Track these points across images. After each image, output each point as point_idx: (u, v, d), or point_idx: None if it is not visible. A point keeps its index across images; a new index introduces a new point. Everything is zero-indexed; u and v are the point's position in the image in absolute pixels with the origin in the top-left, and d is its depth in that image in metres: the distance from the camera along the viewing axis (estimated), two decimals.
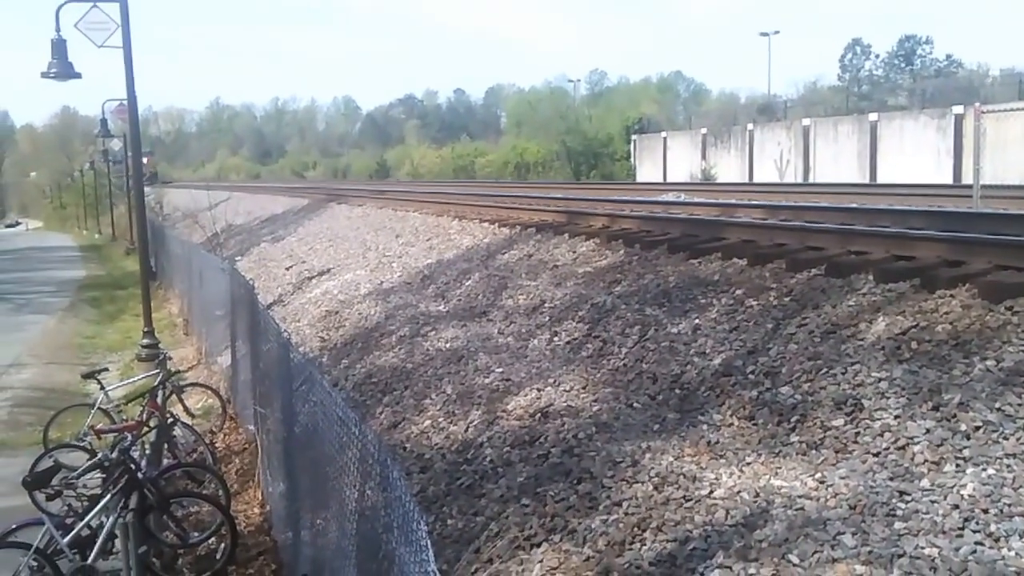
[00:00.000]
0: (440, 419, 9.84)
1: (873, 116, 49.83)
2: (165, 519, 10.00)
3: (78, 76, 20.66)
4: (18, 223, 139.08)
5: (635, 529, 6.38)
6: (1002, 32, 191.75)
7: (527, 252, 15.34)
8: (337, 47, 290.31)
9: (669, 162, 64.99)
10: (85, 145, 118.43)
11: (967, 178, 32.52)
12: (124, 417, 13.66)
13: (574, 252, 14.32)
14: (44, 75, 20.50)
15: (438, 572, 3.89)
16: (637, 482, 7.02)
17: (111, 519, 9.27)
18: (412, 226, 22.41)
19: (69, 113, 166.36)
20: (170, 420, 12.84)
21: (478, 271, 15.27)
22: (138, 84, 20.05)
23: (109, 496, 9.47)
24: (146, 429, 12.05)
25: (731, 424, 7.69)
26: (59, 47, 20.17)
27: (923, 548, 5.36)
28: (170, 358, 16.57)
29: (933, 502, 5.77)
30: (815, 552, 5.52)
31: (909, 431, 6.56)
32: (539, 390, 9.43)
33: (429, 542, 4.11)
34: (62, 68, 20.36)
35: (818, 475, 6.44)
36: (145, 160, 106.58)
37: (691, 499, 6.55)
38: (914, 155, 44.43)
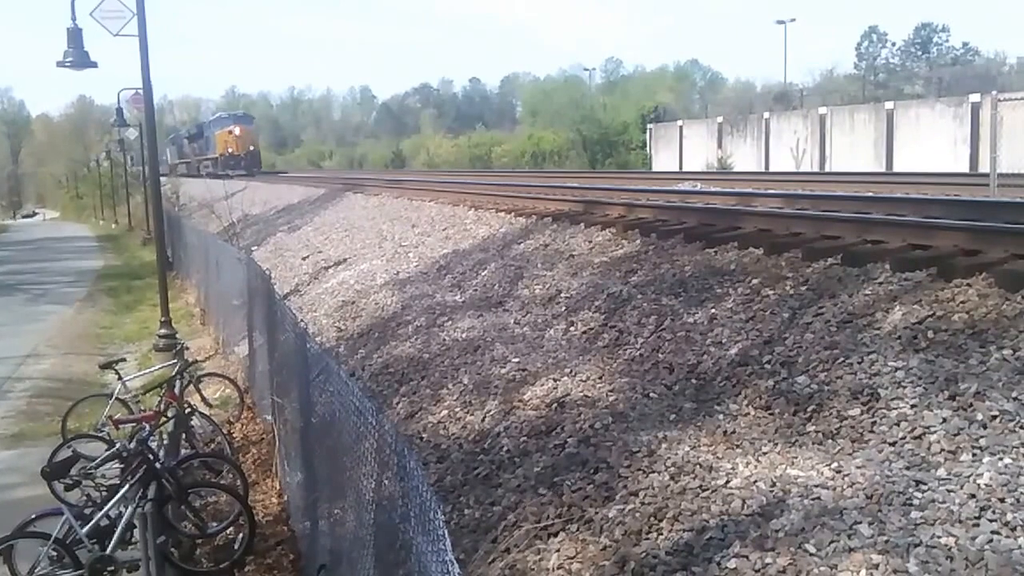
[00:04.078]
0: (457, 409, 9.87)
1: (889, 104, 49.60)
2: (183, 509, 10.02)
3: (94, 65, 20.63)
4: (35, 213, 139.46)
5: (652, 519, 6.40)
6: (1019, 20, 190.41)
7: (543, 242, 15.34)
8: (353, 36, 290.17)
9: (685, 151, 64.80)
10: (101, 134, 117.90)
11: (984, 166, 32.38)
12: (142, 407, 13.70)
13: (590, 242, 14.32)
14: (60, 64, 20.46)
15: (455, 561, 3.90)
16: (653, 472, 7.03)
17: (129, 509, 9.30)
18: (428, 216, 22.41)
19: (85, 102, 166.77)
20: (188, 410, 12.87)
21: (494, 261, 15.28)
22: (154, 73, 19.96)
23: (127, 486, 9.50)
24: (164, 419, 12.08)
25: (747, 414, 7.70)
26: (75, 36, 20.16)
27: (939, 537, 5.37)
28: (187, 348, 16.62)
29: (949, 491, 5.78)
30: (832, 542, 5.54)
31: (925, 420, 6.56)
32: (555, 380, 9.45)
33: (446, 532, 4.13)
34: (78, 57, 20.33)
35: (834, 464, 6.45)
36: (237, 131, 79.08)
37: (707, 489, 6.56)
38: (931, 143, 44.22)
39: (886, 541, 5.42)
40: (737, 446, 7.19)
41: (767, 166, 55.49)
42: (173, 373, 13.63)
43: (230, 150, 77.76)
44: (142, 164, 47.71)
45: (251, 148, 79.82)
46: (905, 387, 7.04)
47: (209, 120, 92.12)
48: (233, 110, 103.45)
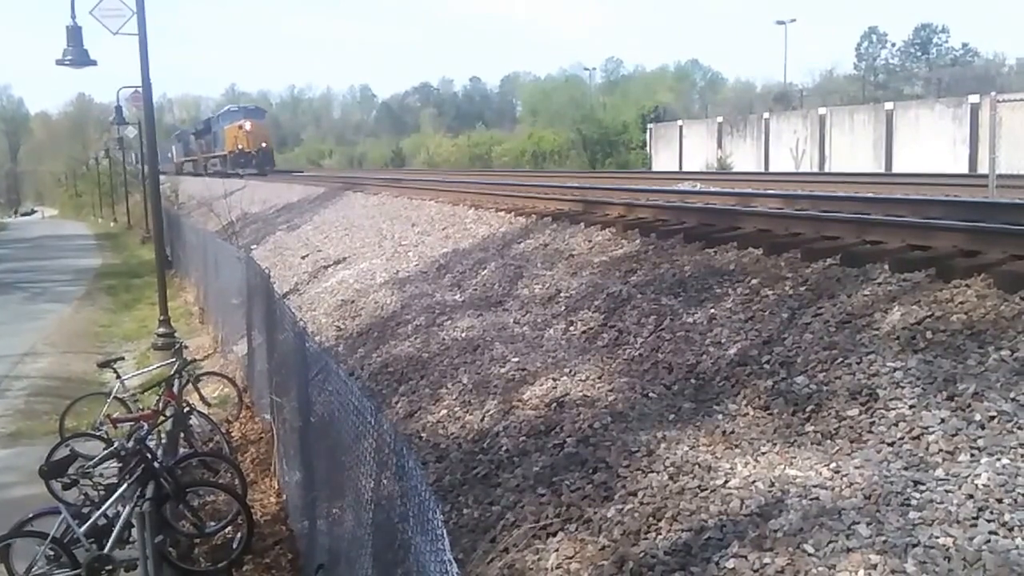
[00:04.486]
0: (456, 409, 9.87)
1: (889, 105, 49.60)
2: (181, 508, 10.03)
3: (93, 63, 20.66)
4: (34, 211, 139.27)
5: (650, 519, 6.40)
6: (1018, 21, 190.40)
7: (543, 241, 15.34)
8: (353, 35, 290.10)
9: (685, 151, 64.79)
10: (100, 133, 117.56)
11: (982, 167, 32.44)
12: (140, 406, 13.68)
13: (590, 241, 14.31)
14: (59, 62, 20.50)
15: (454, 561, 3.90)
16: (652, 472, 7.04)
17: (127, 508, 9.31)
18: (428, 215, 22.41)
19: (84, 100, 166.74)
20: (186, 409, 12.86)
21: (494, 260, 15.28)
22: (153, 71, 20.05)
23: (125, 485, 9.51)
24: (162, 418, 12.08)
25: (746, 414, 7.70)
26: (74, 34, 20.19)
27: (937, 538, 5.37)
28: (186, 347, 16.62)
29: (947, 492, 5.78)
30: (830, 542, 5.54)
31: (924, 421, 6.56)
32: (555, 380, 9.45)
33: (445, 531, 4.13)
34: (77, 55, 20.37)
35: (833, 465, 6.45)
36: (248, 126, 70.96)
37: (706, 489, 6.57)
38: (930, 144, 44.23)
39: (884, 541, 5.42)
40: (736, 446, 7.19)
41: (767, 166, 55.49)
42: (172, 372, 13.61)
43: (240, 147, 70.75)
44: (141, 162, 47.59)
45: (263, 145, 72.06)
46: (903, 387, 7.04)
47: (218, 114, 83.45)
48: (245, 103, 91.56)
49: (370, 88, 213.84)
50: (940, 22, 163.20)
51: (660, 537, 6.18)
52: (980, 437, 6.23)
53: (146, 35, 19.59)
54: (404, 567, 5.10)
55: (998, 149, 19.34)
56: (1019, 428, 6.21)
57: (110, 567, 9.19)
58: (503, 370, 10.25)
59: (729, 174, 44.11)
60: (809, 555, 5.49)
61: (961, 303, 8.08)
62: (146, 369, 16.73)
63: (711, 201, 17.44)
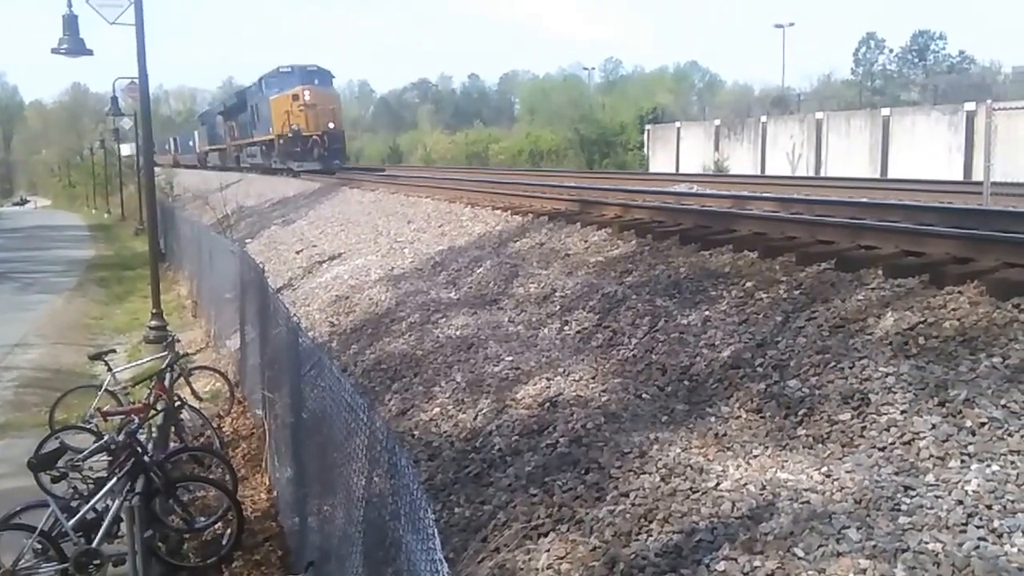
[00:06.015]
0: (449, 407, 9.85)
1: (885, 111, 49.69)
2: (171, 503, 10.01)
3: (89, 53, 20.54)
4: (26, 201, 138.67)
5: (642, 520, 6.40)
6: (1015, 29, 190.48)
7: (539, 240, 15.33)
8: (352, 32, 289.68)
9: (682, 153, 64.79)
10: (95, 123, 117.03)
11: (977, 175, 32.39)
12: (131, 400, 13.67)
13: (586, 241, 14.32)
14: (55, 51, 20.40)
15: (445, 560, 3.90)
16: (644, 473, 7.03)
17: (117, 502, 9.28)
18: (424, 212, 22.38)
19: (79, 90, 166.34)
20: (177, 403, 12.83)
21: (490, 259, 15.27)
22: (150, 62, 19.87)
23: (115, 479, 9.48)
24: (153, 412, 12.04)
25: (739, 416, 7.71)
26: (70, 23, 20.09)
27: (927, 543, 5.38)
28: (178, 340, 16.58)
29: (937, 497, 5.79)
30: (820, 546, 5.54)
31: (915, 426, 6.57)
32: (548, 379, 9.44)
33: (436, 530, 4.12)
34: (73, 44, 20.26)
35: (824, 469, 6.46)
36: (307, 96, 46.59)
37: (698, 491, 6.56)
38: (925, 151, 44.30)
39: (874, 546, 5.43)
40: (728, 448, 7.20)
41: (763, 169, 55.50)
42: (163, 366, 13.55)
43: (296, 127, 46.41)
44: (136, 153, 47.33)
45: (331, 125, 47.67)
46: (895, 393, 7.05)
47: (259, 80, 53.02)
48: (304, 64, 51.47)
49: (368, 83, 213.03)
50: (938, 29, 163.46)
51: (651, 538, 6.18)
52: (971, 443, 6.25)
53: (143, 25, 19.49)
54: (395, 565, 5.10)
55: (993, 157, 19.37)
56: (1009, 435, 6.22)
57: (98, 561, 9.15)
58: (497, 369, 10.24)
59: (726, 176, 44.11)
60: (799, 559, 5.49)
61: (954, 309, 8.09)
62: (137, 362, 16.67)
63: (707, 203, 17.45)
